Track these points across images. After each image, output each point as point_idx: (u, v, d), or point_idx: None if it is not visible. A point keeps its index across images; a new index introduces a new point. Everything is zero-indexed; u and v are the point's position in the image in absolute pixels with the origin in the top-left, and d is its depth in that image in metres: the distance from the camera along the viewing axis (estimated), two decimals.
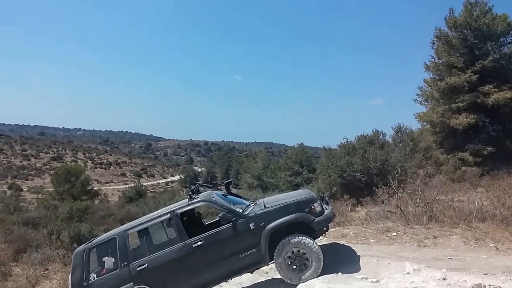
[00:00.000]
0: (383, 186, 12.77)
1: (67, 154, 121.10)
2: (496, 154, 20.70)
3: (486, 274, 5.60)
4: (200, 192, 7.09)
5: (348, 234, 9.53)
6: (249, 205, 6.88)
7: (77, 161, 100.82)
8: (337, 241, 8.38)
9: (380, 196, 12.65)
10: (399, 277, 5.52)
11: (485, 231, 7.85)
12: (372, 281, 5.54)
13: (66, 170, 38.09)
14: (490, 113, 21.86)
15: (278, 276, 7.34)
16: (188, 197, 6.68)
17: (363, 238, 9.09)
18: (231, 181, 8.51)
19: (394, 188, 11.68)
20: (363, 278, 5.70)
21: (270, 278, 7.52)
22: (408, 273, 5.60)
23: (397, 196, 11.35)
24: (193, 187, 7.16)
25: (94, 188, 42.55)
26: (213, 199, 6.60)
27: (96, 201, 35.79)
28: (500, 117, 21.82)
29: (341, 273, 5.99)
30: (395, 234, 8.91)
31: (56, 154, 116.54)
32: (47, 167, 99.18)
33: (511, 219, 7.95)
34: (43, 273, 12.17)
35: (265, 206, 6.33)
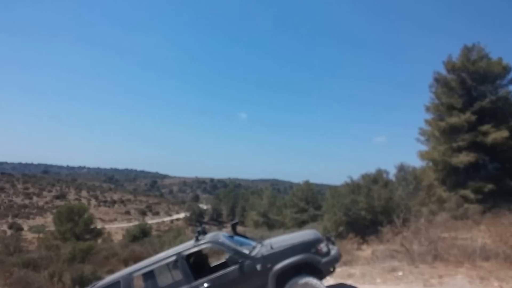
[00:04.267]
0: (388, 225, 13.08)
1: (71, 192, 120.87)
2: (497, 192, 20.93)
3: None
4: (207, 233, 7.06)
5: (355, 274, 9.62)
6: (255, 246, 6.77)
7: (81, 199, 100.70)
8: (343, 281, 8.51)
9: (385, 234, 12.89)
10: None
11: (490, 270, 8.03)
12: None
13: (69, 209, 37.36)
14: (489, 152, 22.29)
15: None
16: (195, 238, 6.65)
17: (369, 278, 9.18)
18: (237, 222, 8.28)
19: (398, 226, 11.94)
20: None
21: None
22: None
23: (402, 234, 11.54)
24: (199, 229, 7.09)
25: (98, 227, 41.56)
26: (220, 241, 6.54)
27: (99, 240, 35.28)
28: (498, 155, 22.26)
29: None
30: (401, 273, 9.06)
31: (59, 193, 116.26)
32: (50, 205, 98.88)
33: None
34: None
35: (271, 247, 6.29)
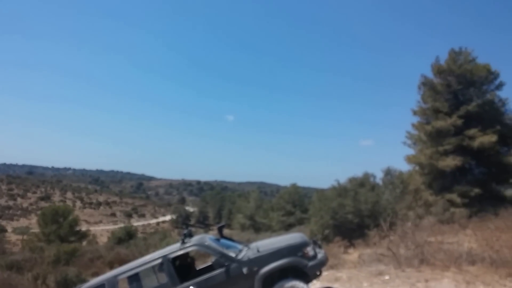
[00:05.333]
0: (374, 228, 13.06)
1: (56, 193, 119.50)
2: (483, 196, 21.08)
3: None
4: (193, 236, 7.03)
5: (342, 278, 9.60)
6: (242, 249, 6.79)
7: (66, 201, 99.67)
8: (330, 285, 8.45)
9: (372, 238, 12.86)
10: None
11: (476, 274, 8.03)
12: None
13: (54, 211, 37.09)
14: (476, 156, 22.46)
15: None
16: (181, 241, 6.61)
17: (356, 282, 9.16)
18: (224, 225, 8.26)
19: (385, 230, 11.91)
20: None
21: None
22: None
23: (388, 238, 11.52)
24: (185, 231, 7.02)
25: (83, 229, 41.59)
26: (206, 244, 6.51)
27: (84, 243, 34.98)
28: (485, 159, 22.44)
29: None
30: (387, 277, 9.03)
31: (44, 194, 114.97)
32: (34, 207, 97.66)
33: (500, 262, 8.17)
34: None
35: (258, 251, 6.29)
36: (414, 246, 10.08)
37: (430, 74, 24.23)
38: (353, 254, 13.89)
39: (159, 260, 6.37)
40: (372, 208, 20.26)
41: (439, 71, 23.46)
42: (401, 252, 10.18)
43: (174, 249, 6.56)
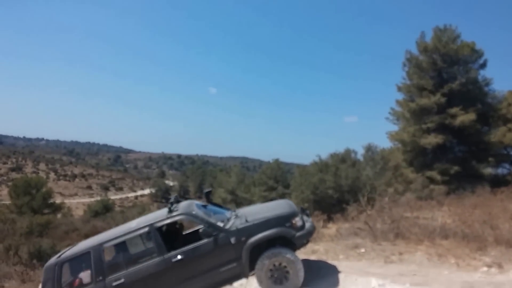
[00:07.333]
0: (354, 204, 13.18)
1: (28, 165, 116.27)
2: (462, 174, 21.42)
3: None
4: (180, 202, 6.98)
5: (319, 250, 9.72)
6: (230, 217, 6.78)
7: (39, 173, 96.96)
8: (307, 257, 8.51)
9: (350, 213, 12.98)
10: None
11: (448, 248, 8.15)
12: None
13: (26, 182, 36.27)
14: (457, 134, 22.72)
15: None
16: (168, 209, 6.51)
17: (332, 254, 9.29)
18: (211, 190, 8.23)
19: (363, 205, 12.03)
20: None
21: None
22: None
23: (366, 213, 11.64)
24: (173, 198, 6.97)
25: (57, 201, 40.49)
26: (193, 213, 6.44)
27: (59, 215, 34.33)
28: (465, 138, 22.73)
29: None
30: (363, 250, 9.15)
31: (15, 165, 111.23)
32: (5, 178, 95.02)
33: (471, 237, 8.30)
34: None
35: (246, 220, 6.29)
36: (390, 220, 10.18)
37: (415, 50, 24.19)
38: (331, 228, 14.05)
39: (146, 229, 6.30)
40: (352, 183, 20.47)
41: (424, 49, 23.39)
42: (377, 227, 10.29)
43: (160, 217, 6.48)
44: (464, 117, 21.18)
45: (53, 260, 6.56)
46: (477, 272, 6.89)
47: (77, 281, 6.28)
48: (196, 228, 7.04)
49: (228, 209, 7.82)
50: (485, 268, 6.99)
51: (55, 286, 6.16)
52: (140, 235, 6.44)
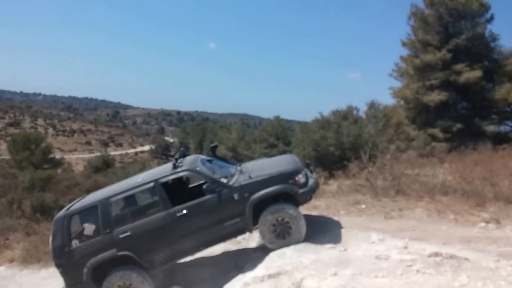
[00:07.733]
0: (355, 161, 13.26)
1: (25, 120, 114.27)
2: (465, 131, 21.32)
3: (445, 244, 5.97)
4: (186, 156, 7.09)
5: (320, 206, 9.90)
6: (234, 172, 6.85)
7: (37, 128, 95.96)
8: (309, 213, 8.68)
9: (351, 170, 13.09)
10: (365, 246, 5.86)
11: (447, 204, 8.29)
12: (340, 250, 5.81)
13: (25, 137, 35.73)
14: (461, 91, 22.45)
15: (251, 246, 7.63)
16: (173, 164, 6.62)
17: (334, 210, 9.47)
18: (217, 145, 8.32)
19: (365, 162, 12.11)
20: (331, 247, 5.94)
21: (243, 247, 7.74)
22: (373, 243, 5.95)
23: (367, 170, 11.73)
24: (178, 153, 7.11)
25: (56, 157, 40.45)
26: (198, 169, 6.58)
27: (59, 171, 34.24)
28: (470, 95, 22.47)
29: (311, 242, 6.19)
30: (364, 206, 9.33)
31: (12, 120, 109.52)
32: (3, 133, 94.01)
33: (471, 193, 8.41)
34: (4, 243, 11.88)
35: (250, 177, 6.36)
36: (391, 177, 10.31)
37: (421, 4, 23.43)
38: (332, 185, 14.18)
39: (151, 184, 6.44)
40: (354, 141, 20.43)
41: (431, 2, 22.65)
42: (378, 183, 10.43)
43: (165, 172, 6.62)
44: (469, 74, 20.82)
45: (62, 212, 6.78)
46: (475, 228, 7.04)
47: (85, 232, 6.48)
48: (201, 182, 7.10)
49: (233, 163, 7.89)
50: (483, 224, 7.13)
51: (64, 237, 6.38)
52: (146, 190, 6.60)
